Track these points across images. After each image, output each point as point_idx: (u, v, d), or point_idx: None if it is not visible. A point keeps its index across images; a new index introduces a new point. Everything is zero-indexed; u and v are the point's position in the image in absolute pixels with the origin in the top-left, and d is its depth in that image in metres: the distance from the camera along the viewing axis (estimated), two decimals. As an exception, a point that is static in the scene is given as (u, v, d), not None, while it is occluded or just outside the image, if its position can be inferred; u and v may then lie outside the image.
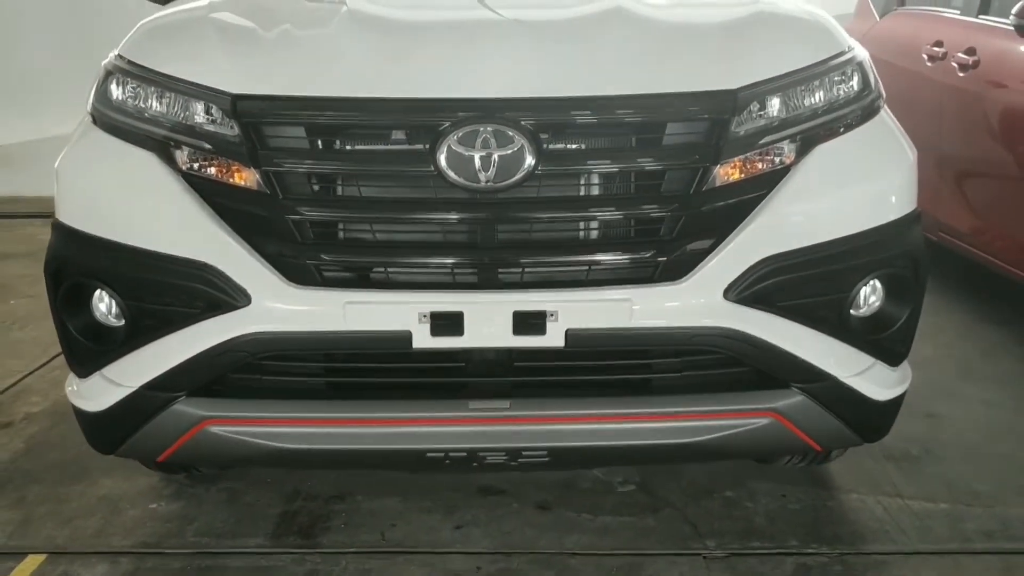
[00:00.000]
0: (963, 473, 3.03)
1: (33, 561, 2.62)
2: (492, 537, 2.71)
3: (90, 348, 2.33)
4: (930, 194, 4.02)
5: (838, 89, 2.35)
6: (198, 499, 2.91)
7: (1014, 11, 3.67)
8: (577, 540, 2.69)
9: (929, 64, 4.46)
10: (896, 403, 2.43)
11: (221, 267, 2.19)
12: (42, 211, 6.25)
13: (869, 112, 2.39)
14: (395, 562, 2.60)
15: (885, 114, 2.45)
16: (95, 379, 2.35)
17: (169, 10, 2.62)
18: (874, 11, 5.28)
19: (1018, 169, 3.83)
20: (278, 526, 2.77)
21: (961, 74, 4.19)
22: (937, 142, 4.28)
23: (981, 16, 4.24)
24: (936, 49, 4.42)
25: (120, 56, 2.42)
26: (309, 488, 2.95)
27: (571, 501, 2.88)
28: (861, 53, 2.46)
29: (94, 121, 2.39)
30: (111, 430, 2.37)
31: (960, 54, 4.21)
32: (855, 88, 2.38)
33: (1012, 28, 3.84)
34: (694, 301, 2.20)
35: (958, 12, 4.48)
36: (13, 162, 7.46)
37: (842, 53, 2.40)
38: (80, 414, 2.42)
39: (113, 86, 2.37)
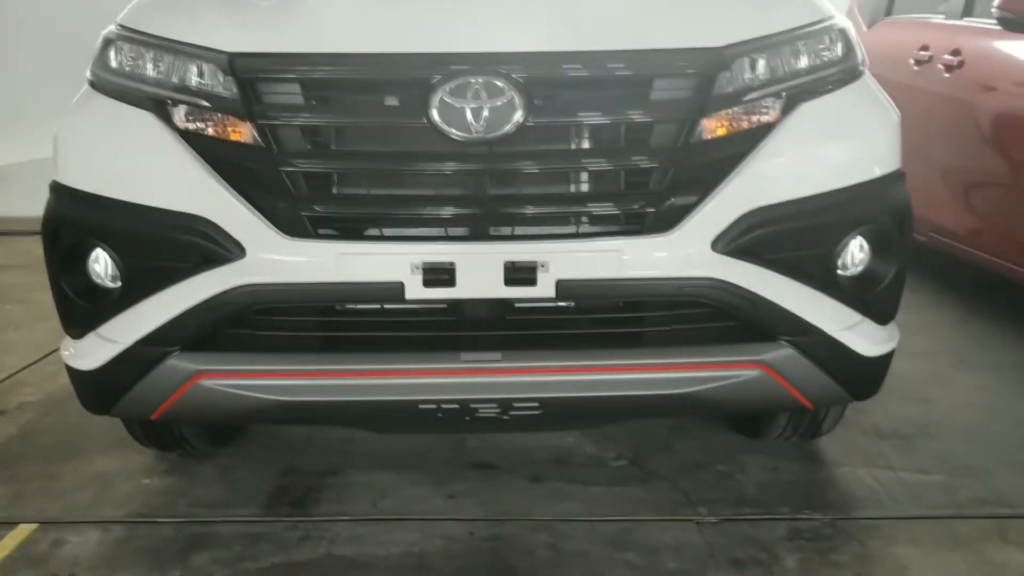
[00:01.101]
0: (957, 450, 3.04)
1: (24, 530, 2.61)
2: (485, 506, 2.71)
3: (86, 308, 2.35)
4: (920, 196, 4.08)
5: (821, 52, 2.40)
6: (191, 475, 2.91)
7: (996, 3, 3.75)
8: (570, 508, 2.70)
9: (916, 68, 4.54)
10: (885, 360, 2.45)
11: (217, 220, 2.22)
12: (38, 229, 6.33)
13: (852, 75, 2.43)
14: (387, 528, 2.60)
15: (868, 78, 2.50)
16: (90, 338, 2.36)
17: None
18: (862, 22, 5.38)
19: (1005, 165, 3.88)
20: (270, 498, 2.77)
21: (947, 75, 4.27)
22: (927, 142, 4.33)
23: (966, 19, 4.33)
24: (922, 53, 4.50)
25: (119, 25, 2.47)
26: (302, 464, 2.96)
27: (564, 474, 2.88)
28: (844, 21, 2.51)
29: (93, 87, 2.44)
30: (105, 388, 2.37)
31: (946, 56, 4.29)
32: (838, 52, 2.42)
33: (993, 26, 3.93)
34: (682, 252, 2.23)
35: (943, 17, 4.57)
36: (7, 181, 7.53)
37: (824, 19, 2.46)
38: (74, 374, 2.43)
39: (112, 52, 2.41)
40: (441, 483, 2.83)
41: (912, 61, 4.56)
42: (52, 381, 3.67)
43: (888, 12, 5.19)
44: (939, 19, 4.59)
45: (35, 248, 5.54)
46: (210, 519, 2.66)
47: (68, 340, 2.45)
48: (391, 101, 2.26)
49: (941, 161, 4.33)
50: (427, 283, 2.19)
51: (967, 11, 4.34)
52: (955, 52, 4.24)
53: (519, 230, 2.23)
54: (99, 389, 2.40)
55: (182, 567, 2.44)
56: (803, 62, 2.36)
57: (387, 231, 2.24)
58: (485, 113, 2.17)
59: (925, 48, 4.50)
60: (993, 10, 3.79)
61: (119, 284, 2.32)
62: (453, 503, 2.73)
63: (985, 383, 3.57)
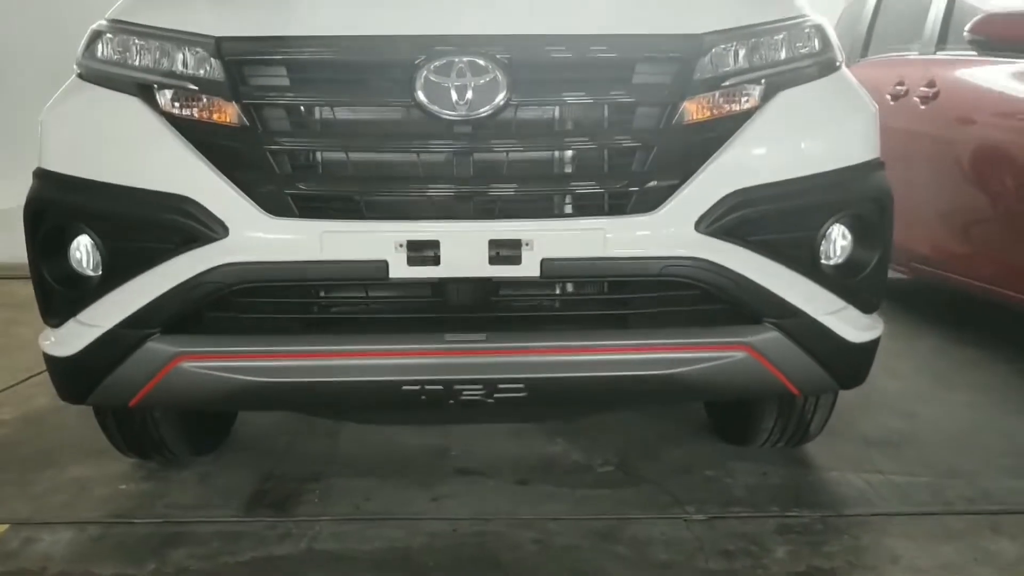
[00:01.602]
0: (944, 456, 3.01)
1: (-4, 529, 2.55)
2: (469, 507, 2.66)
3: (66, 293, 2.33)
4: (902, 228, 4.12)
5: (799, 44, 2.44)
6: (169, 480, 2.86)
7: (968, 28, 3.84)
8: (556, 508, 2.65)
9: (892, 103, 4.62)
10: (870, 347, 2.44)
11: (200, 200, 2.22)
12: (18, 275, 6.30)
13: (830, 68, 2.48)
14: (370, 525, 2.54)
15: (846, 72, 2.55)
16: (69, 325, 2.33)
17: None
18: (838, 64, 5.49)
19: (982, 190, 3.94)
20: (250, 500, 2.71)
21: (923, 107, 4.35)
22: (907, 174, 4.39)
23: (939, 52, 4.44)
24: (899, 88, 4.59)
25: (109, 19, 2.50)
26: (283, 470, 2.91)
27: (550, 479, 2.84)
28: (820, 19, 2.57)
29: (80, 77, 2.45)
30: (84, 374, 2.34)
31: (921, 88, 4.37)
32: (816, 46, 2.47)
33: (965, 56, 4.02)
34: (666, 231, 2.24)
35: (918, 53, 4.68)
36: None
37: (801, 16, 2.51)
38: (53, 362, 2.39)
39: (100, 43, 2.43)
40: (425, 487, 2.78)
41: (888, 96, 4.65)
42: (29, 402, 3.61)
43: (864, 53, 5.30)
44: (914, 55, 4.70)
45: (19, 290, 5.51)
46: (188, 519, 2.60)
47: (47, 330, 2.42)
48: (376, 81, 2.28)
49: (921, 190, 4.39)
50: (411, 261, 2.19)
51: (940, 45, 4.45)
52: (930, 84, 4.32)
53: (503, 208, 2.23)
54: (77, 376, 2.36)
55: (158, 562, 2.37)
56: (781, 52, 2.41)
57: (371, 209, 2.23)
58: (469, 93, 2.20)
59: (901, 83, 4.59)
60: (965, 34, 3.88)
61: (100, 267, 2.30)
62: (437, 504, 2.68)
63: (970, 401, 3.55)
